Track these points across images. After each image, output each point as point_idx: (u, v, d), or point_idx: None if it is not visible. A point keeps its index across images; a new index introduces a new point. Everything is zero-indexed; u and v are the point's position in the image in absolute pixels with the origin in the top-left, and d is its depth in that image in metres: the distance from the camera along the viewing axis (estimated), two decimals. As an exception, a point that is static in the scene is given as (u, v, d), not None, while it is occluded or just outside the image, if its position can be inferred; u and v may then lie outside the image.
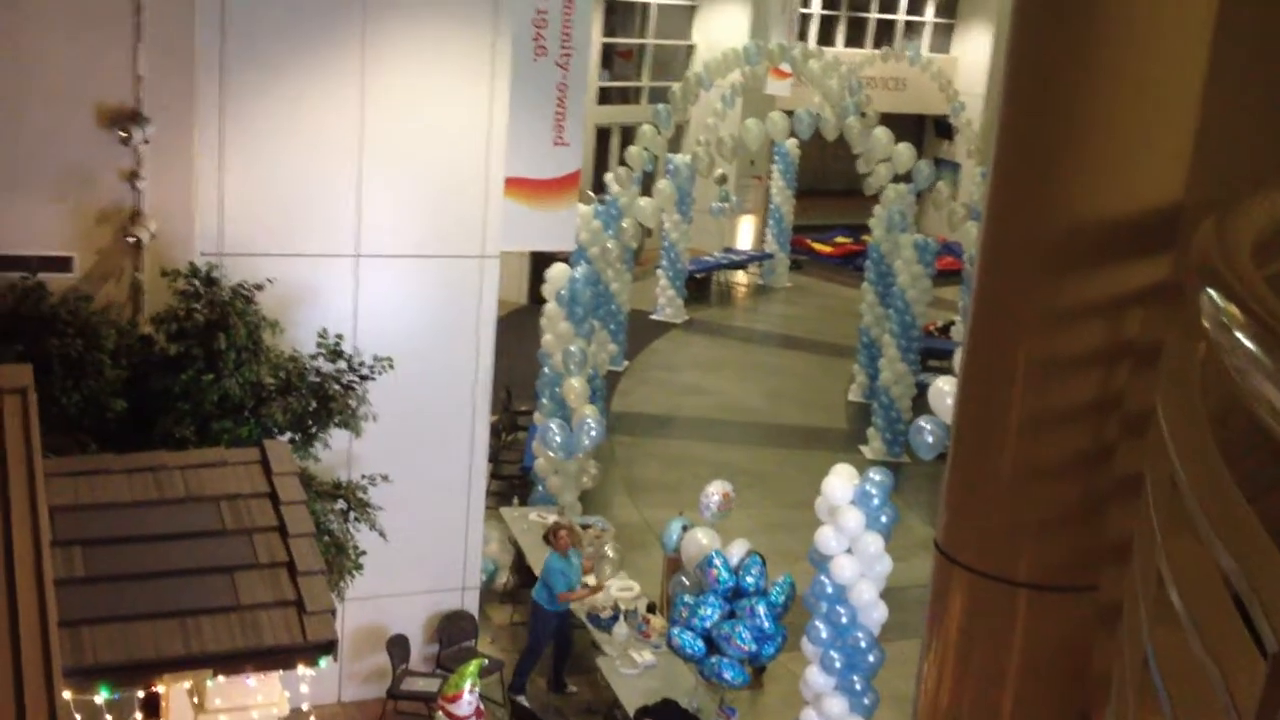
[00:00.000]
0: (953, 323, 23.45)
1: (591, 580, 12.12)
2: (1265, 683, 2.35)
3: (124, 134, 9.19)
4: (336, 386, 9.40)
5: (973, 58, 32.26)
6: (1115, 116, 4.79)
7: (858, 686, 10.28)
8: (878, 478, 10.15)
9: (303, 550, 7.16)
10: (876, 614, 10.26)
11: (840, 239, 30.87)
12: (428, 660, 11.76)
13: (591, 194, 20.04)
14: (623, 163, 20.22)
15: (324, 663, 7.00)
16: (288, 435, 9.08)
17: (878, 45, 30.82)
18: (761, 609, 10.92)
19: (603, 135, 27.33)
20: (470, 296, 11.29)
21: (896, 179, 19.75)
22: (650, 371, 21.75)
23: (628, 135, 24.98)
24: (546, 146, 12.58)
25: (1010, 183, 5.19)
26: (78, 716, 6.57)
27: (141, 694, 6.83)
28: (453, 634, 11.80)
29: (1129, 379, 4.86)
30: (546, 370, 15.40)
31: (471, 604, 12.00)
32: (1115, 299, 4.85)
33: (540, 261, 20.26)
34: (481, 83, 10.89)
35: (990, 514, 5.19)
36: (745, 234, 29.43)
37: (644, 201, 18.58)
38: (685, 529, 12.29)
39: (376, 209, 10.77)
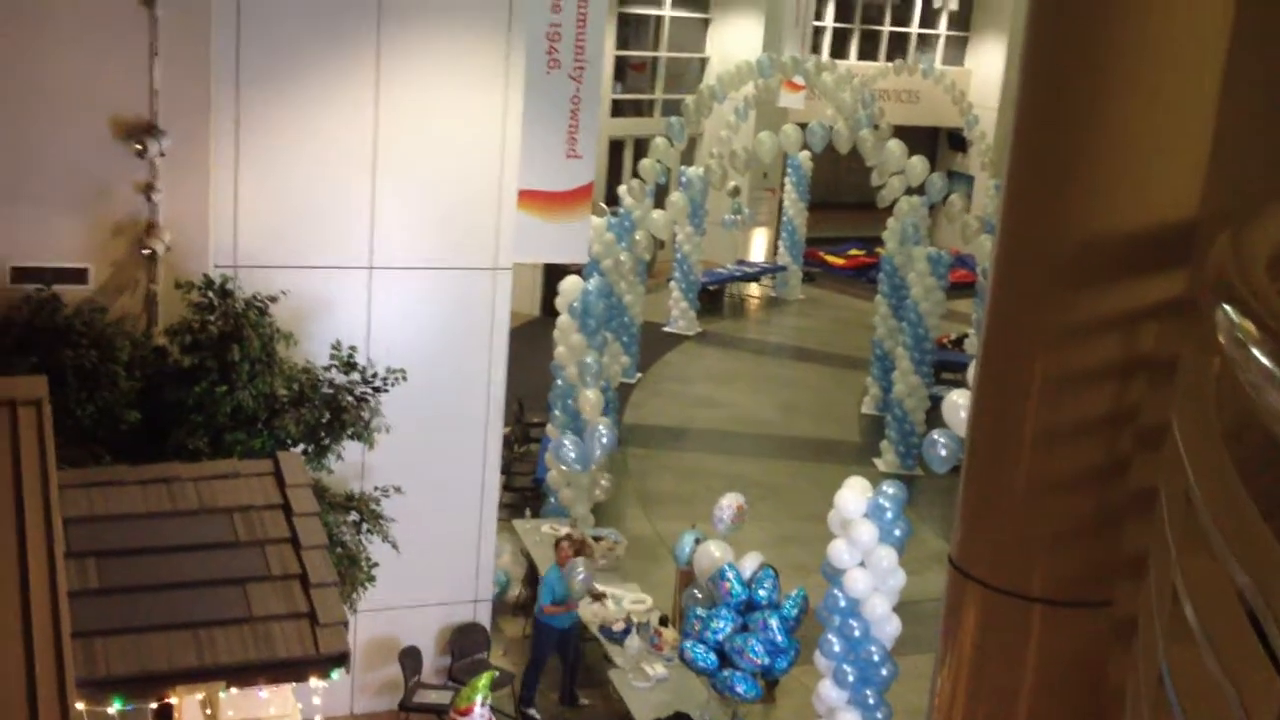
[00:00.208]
0: (966, 335, 23.38)
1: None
2: (1281, 700, 2.34)
3: (140, 147, 9.23)
4: (349, 398, 9.41)
5: (986, 70, 32.24)
6: (1129, 129, 4.77)
7: (871, 701, 10.24)
8: (891, 491, 10.13)
9: (315, 562, 7.17)
10: (890, 628, 10.23)
11: (853, 251, 30.83)
12: (440, 672, 11.75)
13: (604, 206, 20.06)
14: (636, 175, 20.24)
15: (336, 675, 7.00)
16: (301, 447, 9.10)
17: (891, 58, 30.79)
18: (774, 622, 10.90)
19: (616, 148, 27.37)
20: (483, 308, 11.30)
21: (910, 191, 19.72)
22: (663, 384, 21.74)
23: (641, 148, 25.00)
24: (559, 159, 12.60)
25: (1024, 196, 5.18)
26: (90, 728, 6.58)
27: (154, 706, 6.84)
28: (465, 646, 11.79)
29: (1144, 393, 4.84)
30: (559, 382, 15.41)
31: (484, 616, 11.99)
32: (1130, 313, 4.83)
33: (553, 273, 20.30)
34: (495, 95, 10.92)
35: (1004, 529, 5.17)
36: (758, 246, 29.43)
37: (657, 214, 18.58)
38: (698, 541, 12.28)
39: (390, 221, 10.80)
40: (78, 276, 9.35)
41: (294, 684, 7.05)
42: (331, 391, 9.41)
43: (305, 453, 9.08)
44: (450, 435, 11.40)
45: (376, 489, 9.93)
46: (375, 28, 10.41)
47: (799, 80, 24.09)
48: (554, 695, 12.17)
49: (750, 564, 11.49)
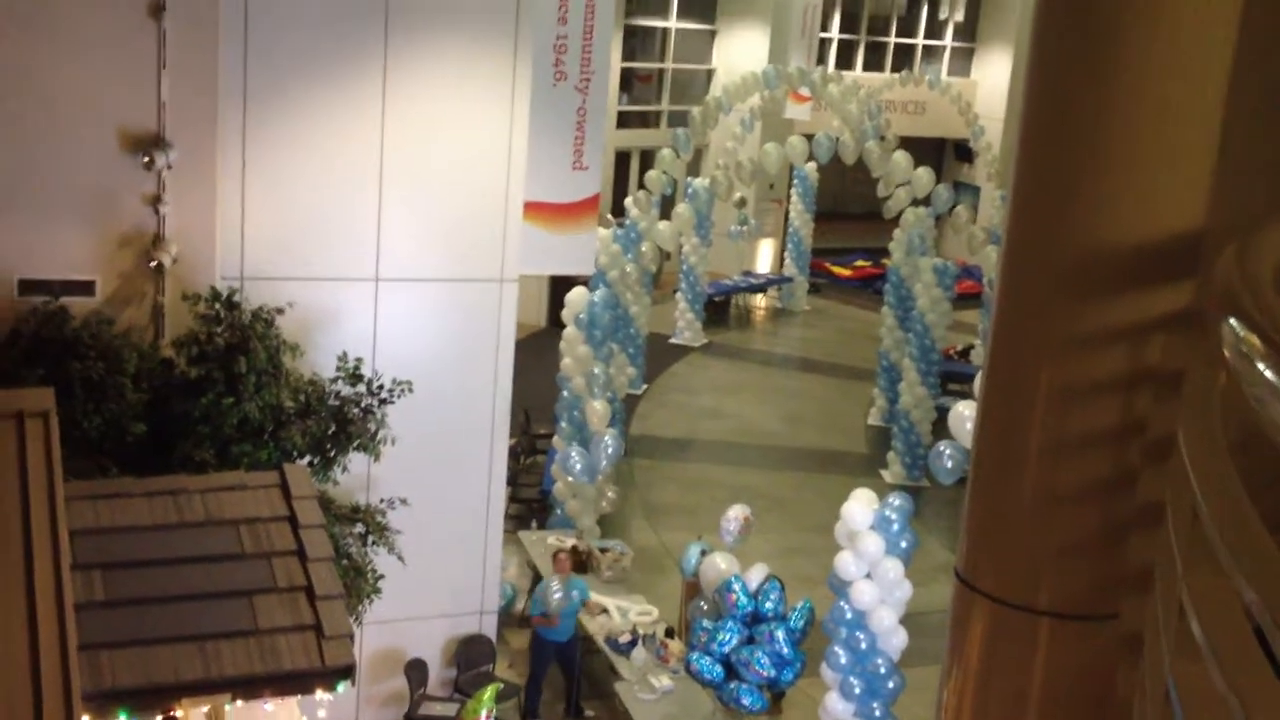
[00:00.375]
0: (973, 346, 23.38)
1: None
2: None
3: (147, 159, 9.26)
4: (355, 410, 9.42)
5: (992, 81, 32.26)
6: (1136, 140, 4.77)
7: (877, 713, 10.22)
8: (897, 503, 10.11)
9: (321, 575, 7.17)
10: (896, 640, 10.21)
11: (859, 262, 30.84)
12: (445, 685, 11.74)
13: (611, 217, 20.08)
14: (642, 186, 20.26)
15: (342, 687, 7.00)
16: (307, 458, 9.11)
17: (897, 69, 30.84)
18: (780, 634, 10.88)
19: (622, 159, 27.41)
20: (489, 320, 11.31)
21: (916, 202, 19.73)
22: (669, 395, 21.74)
23: (647, 159, 25.03)
24: (566, 171, 12.61)
25: (1029, 207, 5.17)
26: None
27: (160, 718, 6.84)
28: (470, 658, 11.79)
29: (1152, 405, 4.83)
30: (566, 393, 15.41)
31: (490, 628, 11.98)
32: (1137, 324, 4.82)
33: (559, 284, 20.30)
34: (501, 107, 10.95)
35: (1011, 541, 5.15)
36: (764, 257, 29.44)
37: (663, 225, 18.61)
38: (704, 553, 12.27)
39: (396, 233, 10.82)
40: (85, 288, 9.37)
41: (299, 696, 7.05)
42: (338, 403, 9.43)
43: (311, 464, 9.09)
44: (456, 447, 11.41)
45: (382, 501, 9.94)
46: (382, 40, 10.45)
47: (805, 91, 24.13)
48: (560, 707, 12.15)
49: (756, 576, 11.48)
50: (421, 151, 10.76)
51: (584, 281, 16.36)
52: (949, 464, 11.48)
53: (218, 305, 9.13)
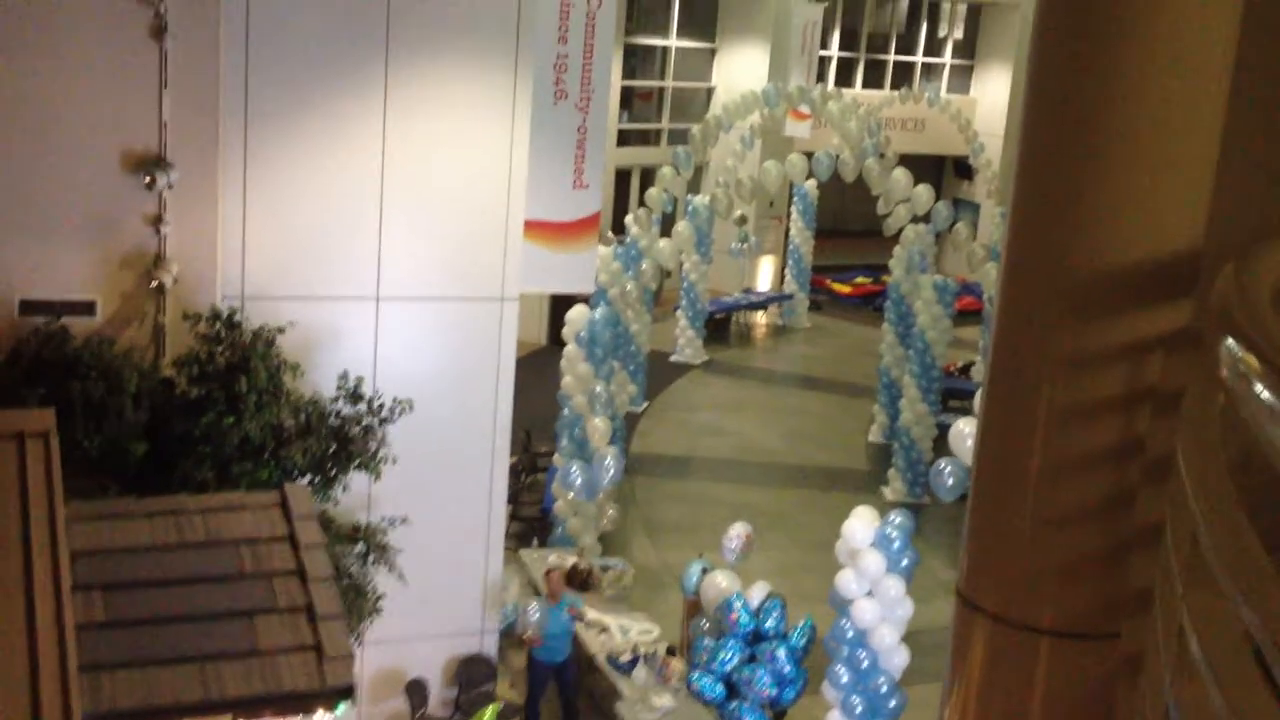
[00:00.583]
0: (973, 363, 23.38)
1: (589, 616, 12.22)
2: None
3: (148, 179, 9.28)
4: (356, 429, 9.43)
5: (992, 99, 32.34)
6: (1134, 160, 4.78)
7: (879, 732, 10.20)
8: (898, 521, 10.11)
9: (322, 595, 7.15)
10: (898, 658, 10.19)
11: (860, 279, 30.87)
12: (446, 705, 11.71)
13: (611, 235, 20.11)
14: (642, 204, 20.29)
15: (342, 708, 6.98)
16: (307, 478, 9.11)
17: (896, 86, 30.91)
18: (782, 653, 10.86)
19: (622, 177, 27.46)
20: (490, 338, 11.32)
21: (916, 220, 19.76)
22: (669, 412, 21.73)
23: (647, 177, 25.07)
24: (566, 189, 12.63)
25: (1029, 226, 5.18)
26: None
27: (160, 739, 6.82)
28: (471, 677, 11.76)
29: (1151, 424, 4.83)
30: (566, 411, 15.41)
31: (490, 648, 11.95)
32: (1137, 343, 4.83)
33: (560, 302, 20.31)
34: (502, 126, 10.98)
35: (1011, 560, 5.16)
36: (765, 275, 29.47)
37: (663, 243, 18.63)
38: (705, 571, 12.25)
39: (397, 252, 10.83)
40: (86, 309, 9.38)
41: (300, 717, 7.02)
42: (338, 422, 9.43)
43: (312, 483, 9.08)
44: (457, 465, 11.40)
45: (383, 519, 9.93)
46: (383, 59, 10.48)
47: (805, 109, 24.18)
48: (561, 726, 12.13)
49: (758, 594, 11.46)
50: (422, 170, 10.79)
51: (585, 299, 16.37)
52: (950, 481, 11.47)
53: (218, 325, 9.14)
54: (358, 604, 9.13)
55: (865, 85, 31.87)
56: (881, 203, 19.83)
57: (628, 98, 28.12)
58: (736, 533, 12.53)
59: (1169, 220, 4.83)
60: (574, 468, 13.83)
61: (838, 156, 19.58)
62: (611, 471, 13.63)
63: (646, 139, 28.59)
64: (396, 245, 10.82)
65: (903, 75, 32.60)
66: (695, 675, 11.12)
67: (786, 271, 28.56)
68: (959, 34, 33.03)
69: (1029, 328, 5.14)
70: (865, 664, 10.07)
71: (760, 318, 28.38)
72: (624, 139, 27.56)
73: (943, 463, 11.69)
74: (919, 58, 32.87)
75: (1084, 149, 4.86)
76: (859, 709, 10.12)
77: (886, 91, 31.02)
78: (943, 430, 16.35)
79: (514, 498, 14.82)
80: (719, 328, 26.68)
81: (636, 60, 28.56)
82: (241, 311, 9.40)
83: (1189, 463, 3.24)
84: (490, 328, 11.30)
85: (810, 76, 28.01)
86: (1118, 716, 4.97)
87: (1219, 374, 3.08)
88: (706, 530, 15.20)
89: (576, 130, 12.57)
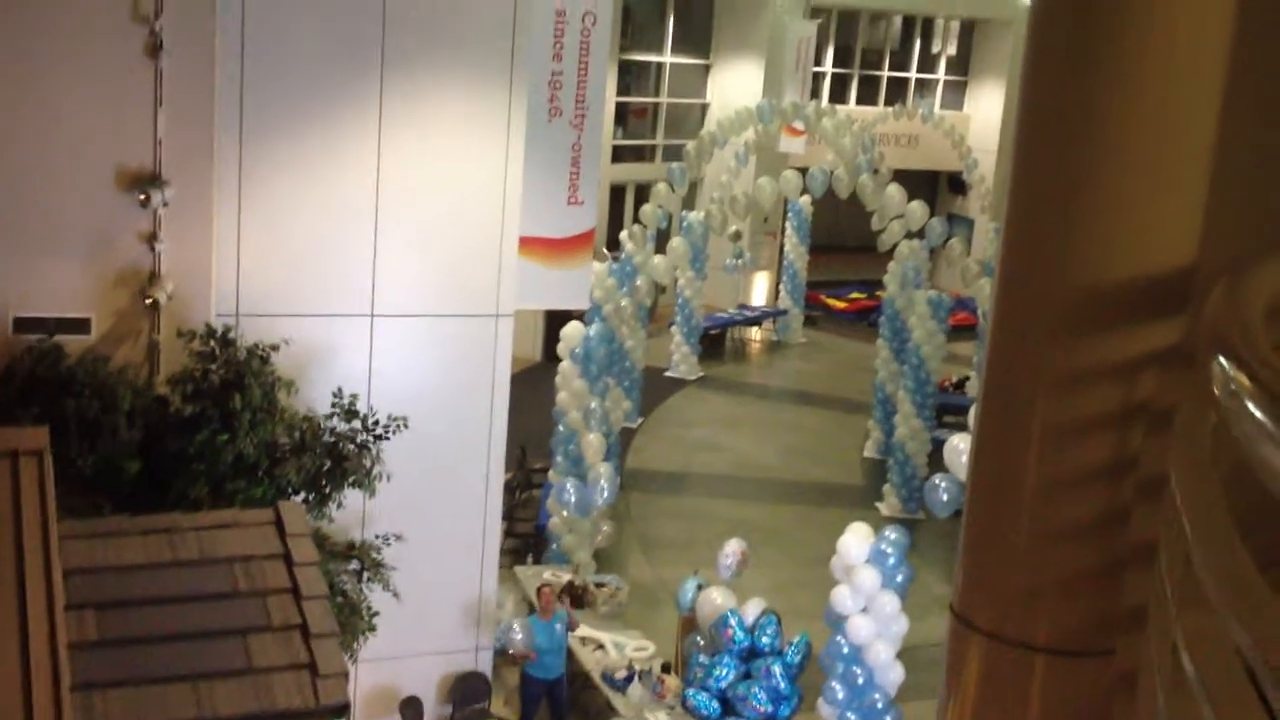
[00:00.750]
0: (968, 378, 23.38)
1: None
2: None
3: (143, 196, 9.29)
4: (351, 446, 9.42)
5: (985, 114, 32.45)
6: (1128, 175, 4.79)
7: (875, 749, 10.18)
8: (893, 537, 10.10)
9: (316, 612, 7.13)
10: (893, 675, 10.18)
11: (854, 295, 30.91)
12: (441, 721, 11.70)
13: (606, 251, 20.13)
14: (637, 220, 20.33)
15: (336, 726, 6.96)
16: (302, 495, 9.10)
17: (890, 103, 31.01)
18: (777, 669, 10.84)
19: (617, 193, 27.50)
20: (484, 355, 11.33)
21: (910, 235, 19.79)
22: (664, 428, 21.73)
23: (642, 193, 25.12)
24: (561, 206, 12.66)
25: (1022, 241, 5.19)
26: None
27: (153, 758, 6.79)
28: (466, 695, 11.73)
29: (1146, 441, 4.83)
30: (561, 428, 15.40)
31: (485, 665, 11.93)
32: (1132, 359, 4.83)
33: (555, 318, 20.33)
34: (497, 143, 11.00)
35: (1006, 577, 5.15)
36: (759, 290, 29.50)
37: (658, 259, 18.64)
38: (700, 587, 12.23)
39: (392, 269, 10.85)
40: (80, 326, 9.38)
41: (294, 735, 7.00)
42: (333, 439, 9.43)
43: (306, 501, 9.08)
44: (451, 482, 11.39)
45: (378, 537, 9.92)
46: (378, 77, 10.51)
47: (799, 125, 24.23)
48: (556, 744, 12.10)
49: (753, 610, 11.44)
50: (417, 187, 10.81)
51: (579, 316, 16.39)
52: (944, 497, 11.47)
53: (213, 342, 9.15)
54: (352, 621, 9.11)
55: (859, 101, 31.96)
56: (876, 218, 19.86)
57: (622, 114, 28.18)
58: (732, 549, 12.51)
59: (1162, 237, 4.84)
60: (568, 486, 13.81)
61: (832, 172, 19.63)
62: (605, 492, 13.62)
63: (641, 155, 28.64)
64: (391, 262, 10.83)
65: (896, 91, 32.71)
66: (690, 692, 11.10)
67: (781, 287, 28.60)
68: (952, 50, 33.15)
69: (1023, 343, 5.14)
70: (860, 680, 10.06)
71: (755, 333, 28.41)
72: (619, 155, 27.61)
73: (938, 478, 11.69)
74: (913, 74, 32.98)
75: (1077, 165, 4.87)
76: (855, 726, 10.11)
77: (880, 107, 31.11)
78: (938, 445, 16.35)
79: (509, 514, 14.80)
80: (714, 343, 26.69)
81: (631, 76, 28.63)
82: (236, 329, 9.41)
83: (1181, 481, 3.24)
84: (485, 344, 11.31)
85: (804, 93, 28.08)
86: (1113, 734, 4.96)
87: (1211, 392, 3.09)
88: (702, 546, 15.18)
89: (571, 147, 12.60)
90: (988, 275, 18.58)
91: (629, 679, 11.75)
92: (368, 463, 9.46)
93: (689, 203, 25.52)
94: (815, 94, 30.21)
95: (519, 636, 11.46)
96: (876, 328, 21.68)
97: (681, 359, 24.64)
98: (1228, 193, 4.74)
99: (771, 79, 28.17)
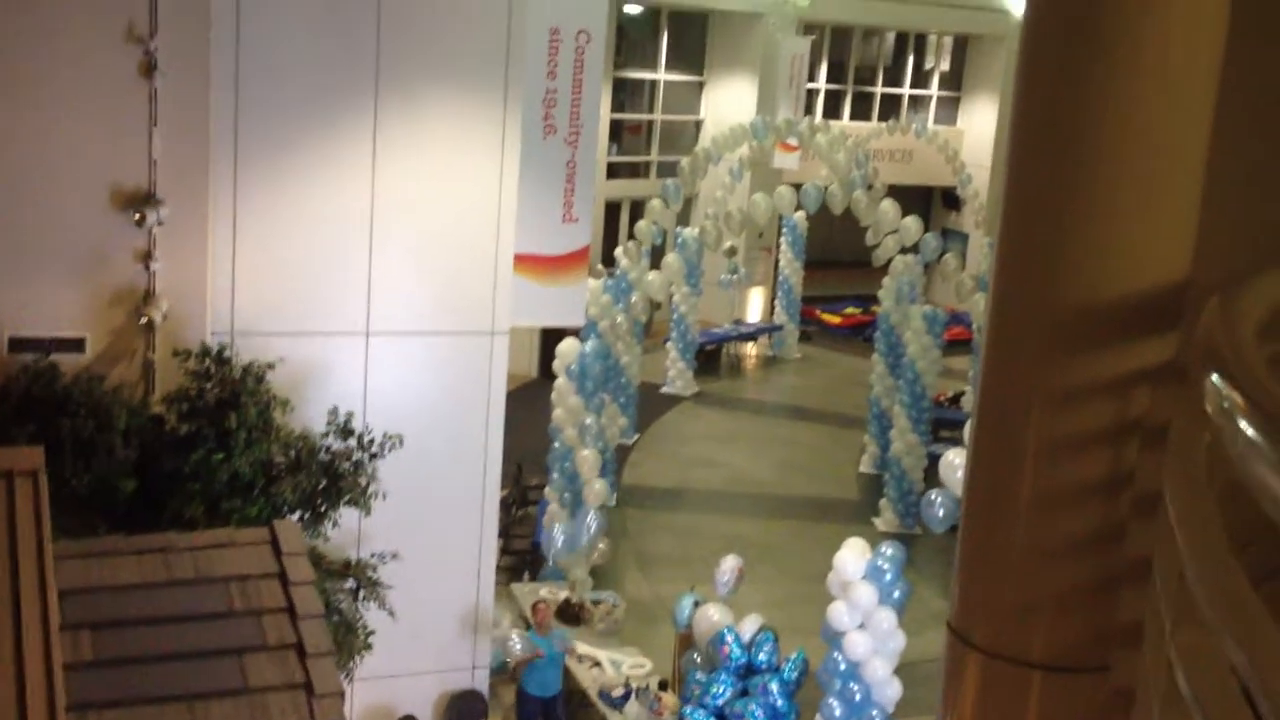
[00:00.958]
0: (963, 393, 23.39)
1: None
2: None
3: (138, 216, 9.30)
4: (346, 464, 9.41)
5: (979, 130, 32.53)
6: (1121, 192, 4.80)
7: (873, 765, 10.16)
8: (890, 552, 10.10)
9: (312, 632, 7.11)
10: (890, 691, 10.16)
11: (849, 310, 30.93)
12: (438, 740, 11.66)
13: (601, 268, 20.15)
14: (632, 237, 20.35)
15: (332, 746, 6.93)
16: (297, 514, 9.09)
17: (884, 118, 31.07)
18: (774, 686, 10.82)
19: (612, 209, 27.54)
20: (480, 372, 11.33)
21: (904, 250, 19.82)
22: (660, 444, 21.72)
23: (637, 209, 25.15)
24: (556, 223, 12.67)
25: (1016, 256, 5.20)
26: (84, 802, 6.51)
27: (149, 779, 6.76)
28: (463, 713, 11.70)
29: (1141, 457, 4.84)
30: (557, 444, 15.39)
31: (482, 683, 11.90)
32: (1125, 376, 4.84)
33: (550, 335, 20.33)
34: (491, 161, 11.02)
35: (1002, 593, 5.15)
36: (754, 306, 29.52)
37: (653, 275, 18.65)
38: (697, 604, 12.21)
39: (387, 287, 10.85)
40: (75, 346, 9.38)
41: (290, 755, 6.97)
42: (328, 458, 9.42)
43: (302, 519, 9.07)
44: (447, 500, 11.38)
45: (373, 555, 9.90)
46: (373, 95, 10.53)
47: (793, 141, 24.29)
48: (553, 762, 12.06)
49: (750, 627, 11.42)
50: (412, 205, 10.83)
51: (575, 332, 16.39)
52: (940, 512, 11.48)
53: (208, 361, 9.14)
54: (348, 640, 9.09)
55: (853, 117, 32.03)
56: (870, 234, 19.90)
57: (617, 131, 28.24)
58: (728, 566, 12.51)
59: (1156, 252, 4.85)
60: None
61: (826, 188, 19.67)
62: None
63: (636, 172, 28.69)
64: (386, 280, 10.84)
65: (890, 107, 32.79)
66: (687, 709, 11.07)
67: (776, 302, 28.62)
68: (945, 66, 33.25)
69: (1017, 358, 5.15)
70: (858, 697, 10.04)
71: (750, 349, 28.41)
72: (613, 172, 27.66)
73: (934, 493, 11.70)
74: (906, 89, 33.07)
75: (1070, 180, 4.88)
76: (852, 742, 10.09)
77: (874, 123, 31.16)
78: (933, 460, 16.34)
79: (505, 531, 14.77)
80: (709, 359, 26.69)
81: (625, 93, 28.70)
82: (231, 347, 9.41)
83: (1175, 497, 3.25)
84: (480, 361, 11.31)
85: (798, 109, 28.15)
86: (1110, 750, 4.96)
87: (1204, 409, 3.10)
88: (698, 563, 15.16)
89: (566, 164, 12.62)
90: (982, 290, 18.62)
91: (626, 697, 11.73)
92: (363, 481, 9.45)
93: (684, 219, 25.57)
94: (809, 110, 30.28)
95: (518, 648, 11.45)
96: (872, 343, 21.70)
97: (677, 375, 24.64)
98: (1221, 208, 4.75)
99: (765, 95, 28.24)
